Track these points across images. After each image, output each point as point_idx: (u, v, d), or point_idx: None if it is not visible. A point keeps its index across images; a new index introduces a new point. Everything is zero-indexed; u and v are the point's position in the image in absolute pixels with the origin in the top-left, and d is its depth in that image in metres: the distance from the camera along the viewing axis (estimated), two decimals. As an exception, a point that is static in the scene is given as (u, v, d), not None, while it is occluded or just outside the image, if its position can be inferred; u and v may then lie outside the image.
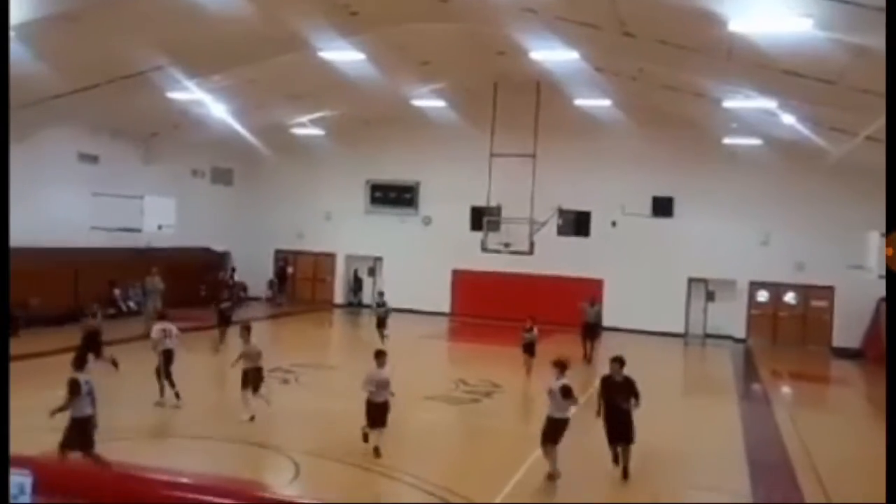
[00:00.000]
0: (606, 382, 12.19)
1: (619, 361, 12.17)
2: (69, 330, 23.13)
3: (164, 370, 15.28)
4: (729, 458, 13.61)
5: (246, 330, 14.79)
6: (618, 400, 11.92)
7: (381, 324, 23.53)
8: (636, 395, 11.98)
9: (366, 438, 12.40)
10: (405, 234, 32.27)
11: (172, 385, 15.19)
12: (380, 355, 12.68)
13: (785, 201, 28.03)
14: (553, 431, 11.67)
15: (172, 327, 15.90)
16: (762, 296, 29.42)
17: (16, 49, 16.42)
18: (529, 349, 19.55)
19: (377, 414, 12.25)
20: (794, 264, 28.27)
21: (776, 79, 16.62)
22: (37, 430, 11.73)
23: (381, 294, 25.21)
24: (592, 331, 23.01)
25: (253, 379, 14.34)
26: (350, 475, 11.56)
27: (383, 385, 12.36)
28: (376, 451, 12.11)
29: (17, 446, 10.13)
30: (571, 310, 24.61)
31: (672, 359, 26.74)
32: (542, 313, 28.68)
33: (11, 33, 15.79)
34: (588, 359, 22.33)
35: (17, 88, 20.25)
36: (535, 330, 19.84)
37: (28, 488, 2.53)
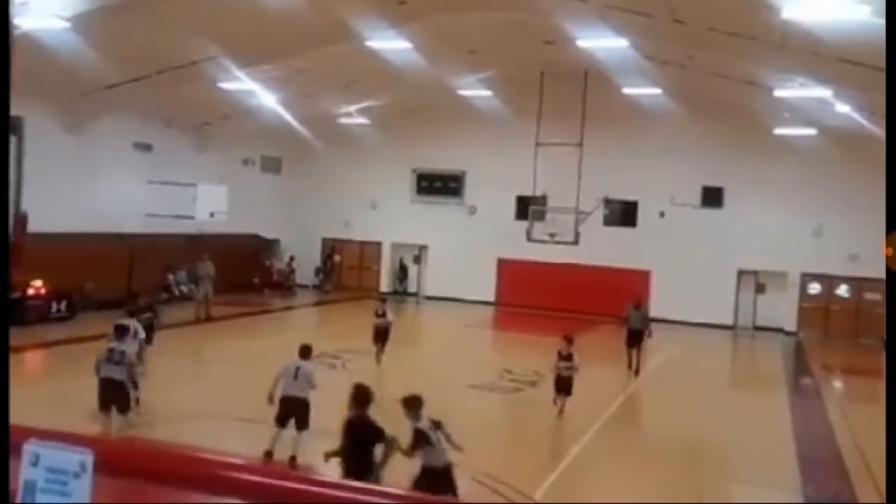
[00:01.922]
0: (351, 426, 8.94)
1: (361, 396, 8.91)
2: (123, 314, 23.72)
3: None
4: (778, 453, 13.44)
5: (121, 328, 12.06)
6: (358, 447, 8.73)
7: (380, 337, 18.38)
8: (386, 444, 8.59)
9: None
10: (450, 223, 32.32)
11: (135, 388, 12.36)
12: (306, 350, 11.51)
13: (839, 192, 27.44)
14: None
15: (138, 326, 13.59)
16: (814, 288, 28.88)
17: (72, 39, 16.84)
18: (565, 385, 14.57)
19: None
20: (847, 256, 27.68)
21: (831, 67, 16.28)
22: (88, 410, 12.05)
23: (383, 300, 19.64)
24: (638, 337, 19.73)
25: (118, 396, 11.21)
26: (395, 460, 11.65)
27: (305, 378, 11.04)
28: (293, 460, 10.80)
29: (75, 426, 10.42)
30: (617, 301, 24.43)
31: (721, 351, 26.44)
32: (588, 304, 28.84)
33: (67, 24, 16.19)
34: (634, 370, 19.51)
35: (74, 79, 20.84)
36: (577, 357, 14.70)
37: (90, 466, 2.61)
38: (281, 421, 11.09)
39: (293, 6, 16.20)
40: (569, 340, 14.75)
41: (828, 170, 27.37)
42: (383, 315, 18.62)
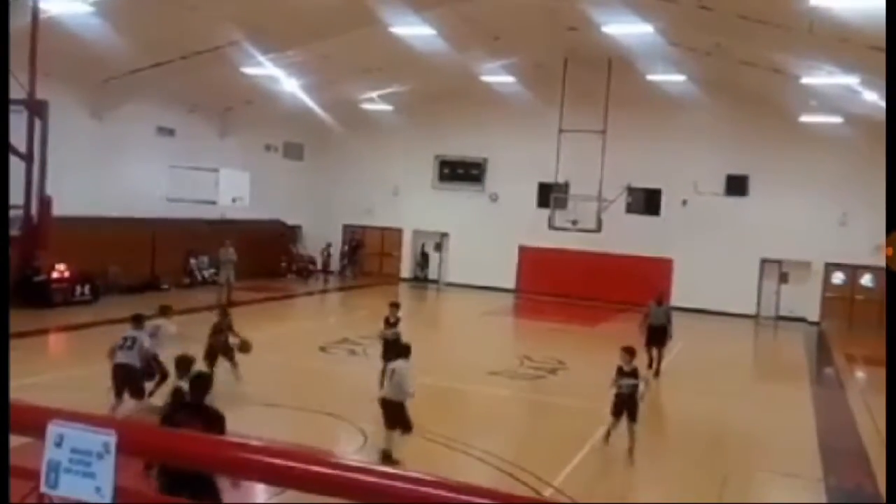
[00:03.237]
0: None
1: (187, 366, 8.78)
2: (146, 297, 23.94)
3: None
4: (801, 444, 13.35)
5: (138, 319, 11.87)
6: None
7: (391, 351, 13.37)
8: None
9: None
10: (472, 210, 32.27)
11: (150, 377, 12.04)
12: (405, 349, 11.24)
13: (865, 181, 27.03)
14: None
15: (169, 325, 12.79)
16: (838, 278, 28.60)
17: (97, 24, 16.94)
18: (629, 407, 11.83)
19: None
20: (872, 246, 27.28)
21: (859, 54, 16.04)
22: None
23: (396, 306, 15.24)
24: (659, 336, 17.94)
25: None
26: (416, 446, 11.70)
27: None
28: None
29: (99, 408, 10.55)
30: (639, 289, 24.33)
31: (743, 341, 26.26)
32: (609, 292, 28.74)
33: (92, 9, 16.27)
34: (654, 371, 17.62)
35: (99, 63, 20.96)
36: (640, 375, 12.29)
37: (113, 448, 2.63)
38: (385, 422, 10.82)
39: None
40: (630, 353, 12.12)
41: (854, 158, 27.03)
42: (395, 324, 14.77)
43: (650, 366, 17.72)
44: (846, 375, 20.89)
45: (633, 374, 11.89)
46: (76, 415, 2.77)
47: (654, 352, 17.91)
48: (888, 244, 6.60)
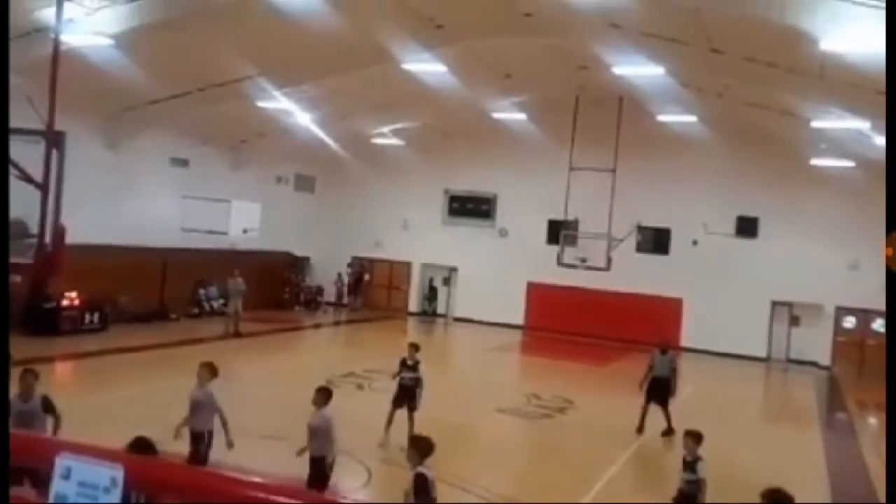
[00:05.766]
0: None
1: None
2: (155, 327, 24.00)
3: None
4: (811, 489, 13.17)
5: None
6: None
7: (405, 398, 13.31)
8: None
9: None
10: (481, 246, 32.30)
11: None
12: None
13: (877, 225, 26.75)
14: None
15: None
16: (849, 322, 28.40)
17: (115, 56, 17.20)
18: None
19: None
20: (884, 290, 27.16)
21: (870, 99, 16.10)
22: (118, 423, 12.14)
23: (416, 348, 13.86)
24: (662, 389, 15.61)
25: None
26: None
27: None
28: None
29: (101, 439, 10.53)
30: (648, 329, 24.24)
31: (753, 384, 26.03)
32: (618, 331, 28.62)
33: (111, 41, 16.51)
34: (666, 429, 15.42)
35: (115, 95, 21.24)
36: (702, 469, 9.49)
37: (120, 482, 2.64)
38: None
39: (333, 29, 16.42)
40: (695, 439, 9.72)
41: (866, 203, 26.88)
42: (414, 367, 13.47)
43: (641, 427, 15.49)
44: (858, 421, 20.66)
45: (693, 466, 9.46)
46: (84, 447, 2.78)
47: (655, 408, 15.56)
48: (888, 244, 6.56)
